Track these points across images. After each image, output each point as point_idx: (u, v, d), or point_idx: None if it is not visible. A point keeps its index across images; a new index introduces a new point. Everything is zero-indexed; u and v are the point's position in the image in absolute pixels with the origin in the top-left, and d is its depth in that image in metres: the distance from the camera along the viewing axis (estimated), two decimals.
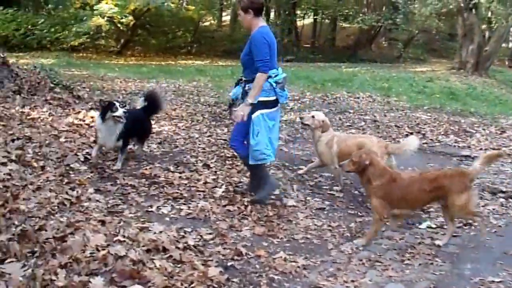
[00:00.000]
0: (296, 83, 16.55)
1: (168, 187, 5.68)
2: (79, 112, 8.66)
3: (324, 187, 6.46)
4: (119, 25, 26.89)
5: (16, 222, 4.16)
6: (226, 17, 39.23)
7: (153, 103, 6.92)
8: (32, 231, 3.99)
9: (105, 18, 24.61)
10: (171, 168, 6.37)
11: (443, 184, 4.74)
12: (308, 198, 5.99)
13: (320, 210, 5.69)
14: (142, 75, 16.94)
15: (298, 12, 37.34)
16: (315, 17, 36.61)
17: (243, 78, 5.42)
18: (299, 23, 37.97)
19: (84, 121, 8.14)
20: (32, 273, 3.40)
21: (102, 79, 15.04)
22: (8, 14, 26.56)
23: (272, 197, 5.71)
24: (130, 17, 24.79)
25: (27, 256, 3.68)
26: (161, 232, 4.37)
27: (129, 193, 5.41)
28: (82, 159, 6.32)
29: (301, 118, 6.41)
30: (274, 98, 5.25)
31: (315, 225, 5.18)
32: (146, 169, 6.19)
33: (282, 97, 5.34)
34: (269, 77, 5.17)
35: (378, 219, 4.84)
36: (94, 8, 24.72)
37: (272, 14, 37.99)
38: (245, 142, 5.45)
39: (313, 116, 6.38)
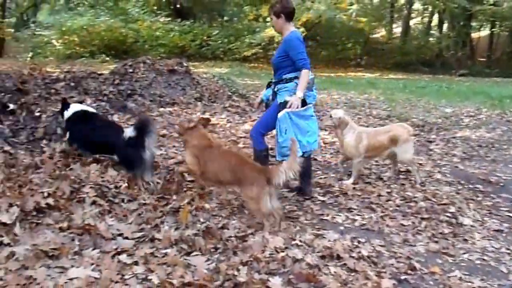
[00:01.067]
0: (472, 99, 15.92)
1: (342, 197, 5.82)
2: (254, 120, 9.12)
3: (502, 208, 6.17)
4: None
5: (201, 219, 4.58)
6: (397, 29, 38.59)
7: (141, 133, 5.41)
8: (216, 229, 4.37)
9: None
10: (345, 179, 6.51)
11: (238, 171, 4.72)
12: (485, 218, 5.76)
13: (498, 232, 5.42)
14: None
15: (474, 24, 35.75)
16: (492, 29, 34.83)
17: (273, 80, 5.68)
18: (474, 35, 36.34)
19: None
20: (216, 267, 3.73)
21: None
22: (185, 26, 28.49)
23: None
24: (302, 29, 25.23)
25: (211, 251, 4.05)
26: (335, 240, 4.52)
27: (304, 200, 5.63)
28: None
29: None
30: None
31: (493, 247, 4.97)
32: (321, 178, 6.39)
33: (310, 98, 5.48)
34: (295, 77, 5.36)
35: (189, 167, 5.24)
36: (267, 20, 25.52)
37: (445, 26, 36.78)
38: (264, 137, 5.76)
39: (331, 116, 6.60)
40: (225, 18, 33.47)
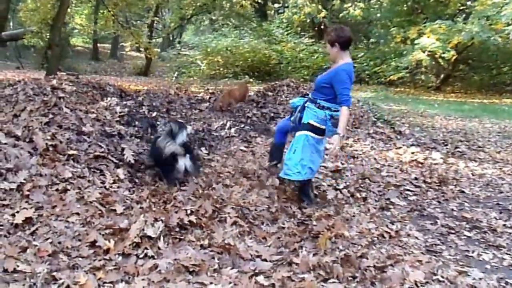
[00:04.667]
0: None
1: (490, 234, 5.59)
2: (400, 148, 9.10)
3: None
4: (439, 60, 26.82)
5: (340, 247, 4.67)
6: None
7: None
8: (355, 257, 4.42)
9: (426, 53, 24.77)
10: (494, 214, 6.26)
11: None
12: None
13: None
14: (463, 113, 16.77)
15: None
16: None
17: (309, 95, 5.76)
18: None
19: (405, 157, 8.57)
20: None
21: (422, 115, 15.33)
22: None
23: None
24: (452, 52, 24.41)
25: (348, 279, 4.11)
26: (480, 279, 4.36)
27: (448, 234, 5.50)
28: (403, 195, 6.70)
29: None
30: (324, 127, 5.51)
31: None
32: (467, 212, 6.22)
33: (330, 132, 5.51)
34: (328, 108, 5.47)
35: None
36: (415, 42, 25.03)
37: None
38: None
39: None
40: (371, 40, 33.29)
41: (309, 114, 5.60)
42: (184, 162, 5.99)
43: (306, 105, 5.71)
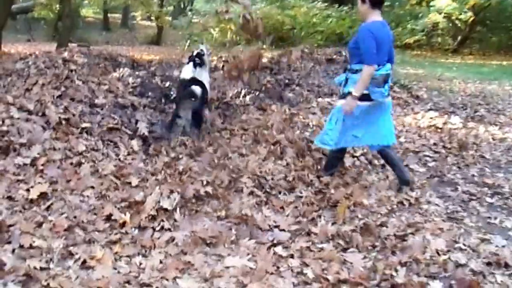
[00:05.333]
0: None
1: None
2: (417, 113, 9.00)
3: None
4: (456, 21, 26.39)
5: (359, 215, 4.64)
6: None
7: None
8: (374, 226, 4.39)
9: (442, 15, 24.34)
10: None
11: None
12: None
13: None
14: (482, 75, 16.52)
15: None
16: None
17: (348, 67, 5.48)
18: None
19: (423, 122, 8.49)
20: (373, 266, 3.77)
21: (439, 79, 15.15)
22: (342, 12, 28.20)
23: None
24: (469, 13, 23.93)
25: (368, 248, 4.08)
26: (503, 246, 4.28)
27: (470, 200, 5.42)
28: (422, 161, 6.62)
29: None
30: (365, 92, 5.16)
31: None
32: (489, 177, 6.12)
33: (376, 94, 5.19)
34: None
35: None
36: (431, 4, 24.59)
37: None
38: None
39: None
40: (386, 3, 32.74)
41: (349, 83, 5.38)
42: (184, 120, 6.16)
43: (347, 77, 5.47)
